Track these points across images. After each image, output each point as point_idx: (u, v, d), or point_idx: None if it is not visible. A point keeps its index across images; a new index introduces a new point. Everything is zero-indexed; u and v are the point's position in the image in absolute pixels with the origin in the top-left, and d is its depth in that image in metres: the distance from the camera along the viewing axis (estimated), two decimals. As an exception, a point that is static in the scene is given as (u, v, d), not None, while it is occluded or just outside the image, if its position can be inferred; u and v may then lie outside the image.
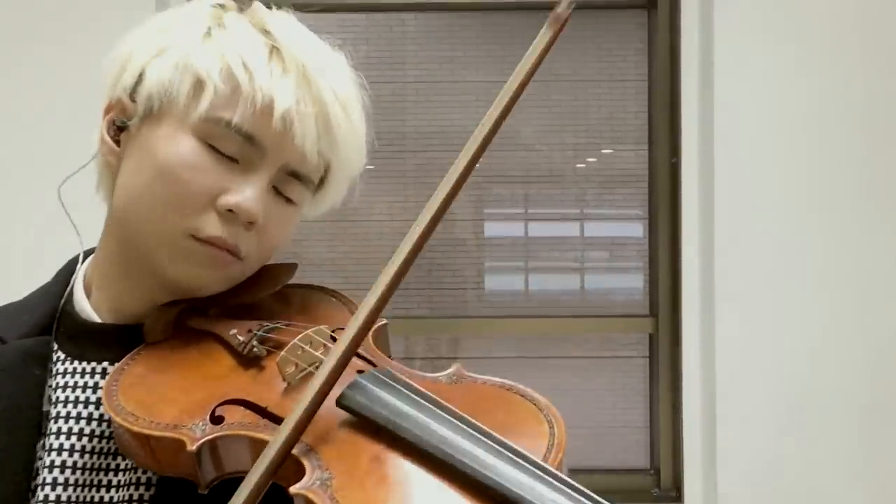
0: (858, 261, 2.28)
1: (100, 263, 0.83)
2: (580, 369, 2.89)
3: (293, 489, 0.60)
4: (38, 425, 0.77)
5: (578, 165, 2.87)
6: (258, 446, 0.65)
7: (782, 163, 2.28)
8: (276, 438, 0.61)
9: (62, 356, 0.80)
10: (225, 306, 0.80)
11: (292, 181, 0.79)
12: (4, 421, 0.76)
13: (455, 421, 0.64)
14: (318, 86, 0.77)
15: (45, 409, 0.78)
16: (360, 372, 0.69)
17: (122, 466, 0.76)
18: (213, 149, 0.75)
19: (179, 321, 0.80)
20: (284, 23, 0.80)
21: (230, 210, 0.75)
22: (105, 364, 0.78)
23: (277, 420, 0.67)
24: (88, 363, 0.79)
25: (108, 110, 0.80)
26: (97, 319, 0.81)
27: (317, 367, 0.68)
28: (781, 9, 2.32)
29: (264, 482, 0.61)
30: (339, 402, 0.66)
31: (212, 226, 0.75)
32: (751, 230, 2.29)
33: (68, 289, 0.84)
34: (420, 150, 2.95)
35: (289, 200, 0.80)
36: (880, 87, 2.27)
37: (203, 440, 0.66)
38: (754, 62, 2.33)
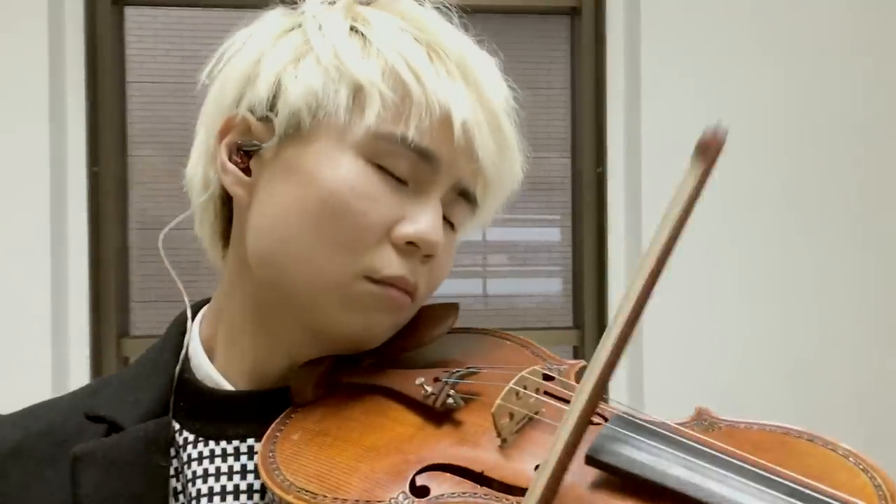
0: (783, 267, 2.29)
1: (227, 320, 0.69)
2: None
3: None
4: None
5: None
6: None
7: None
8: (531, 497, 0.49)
9: (190, 438, 0.66)
10: (381, 356, 0.68)
11: (460, 202, 0.68)
12: None
13: (746, 469, 0.51)
14: (485, 91, 0.66)
15: None
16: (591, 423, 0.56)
17: None
18: (381, 169, 0.63)
19: (330, 378, 0.67)
20: (429, 16, 0.67)
21: (410, 242, 0.63)
22: (251, 441, 0.65)
23: (500, 487, 0.55)
24: (229, 442, 0.65)
25: (224, 132, 0.66)
26: (228, 387, 0.68)
27: (530, 418, 0.58)
28: (707, 18, 2.31)
29: None
30: (589, 457, 0.53)
31: (391, 263, 0.63)
32: (679, 242, 2.26)
33: (182, 354, 0.70)
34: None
35: (453, 226, 0.69)
36: (804, 95, 2.29)
37: None
38: (680, 70, 2.32)
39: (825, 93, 2.29)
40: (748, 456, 0.53)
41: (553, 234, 2.71)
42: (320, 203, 0.62)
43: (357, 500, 0.56)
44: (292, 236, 0.63)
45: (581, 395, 0.51)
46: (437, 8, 0.69)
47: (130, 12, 2.29)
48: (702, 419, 0.60)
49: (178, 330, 0.72)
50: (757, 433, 0.58)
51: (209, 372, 0.68)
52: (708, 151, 0.55)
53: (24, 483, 0.66)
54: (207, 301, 0.75)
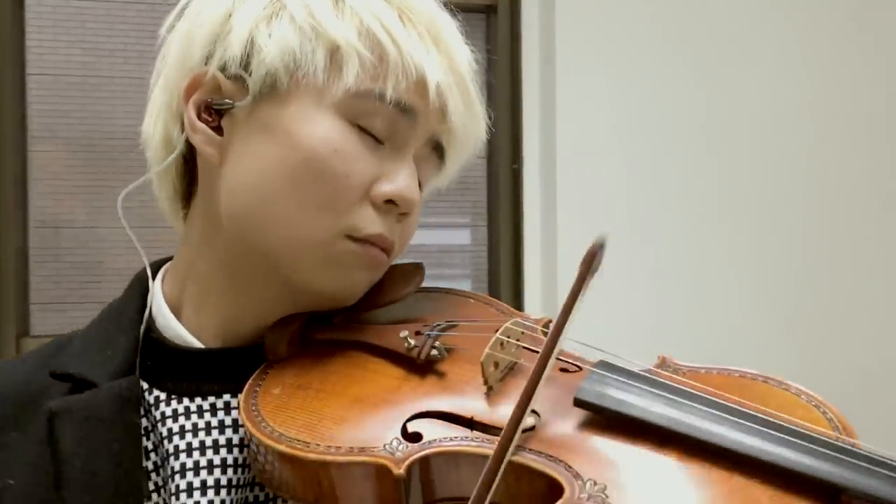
0: (695, 261, 2.32)
1: (195, 278, 0.68)
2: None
3: (565, 500, 0.50)
4: (140, 485, 0.62)
5: None
6: (477, 462, 0.53)
7: (623, 168, 2.29)
8: (500, 450, 0.51)
9: (162, 396, 0.65)
10: (352, 313, 0.68)
11: (431, 158, 0.69)
12: (111, 483, 0.61)
13: (725, 405, 0.56)
14: (454, 54, 0.67)
15: (144, 464, 0.64)
16: (563, 370, 0.62)
17: (261, 502, 0.64)
18: (359, 129, 0.63)
19: (303, 336, 0.67)
20: None
21: (388, 201, 0.64)
22: (226, 397, 0.64)
23: (489, 431, 0.57)
24: (204, 399, 0.64)
25: (191, 90, 0.64)
26: (199, 345, 0.67)
27: (513, 367, 0.61)
28: (621, 17, 2.34)
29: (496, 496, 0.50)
30: (578, 400, 0.56)
31: (371, 222, 0.64)
32: (592, 234, 2.28)
33: (146, 313, 0.68)
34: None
35: (419, 185, 0.69)
36: (715, 93, 2.33)
37: (412, 459, 0.54)
38: (594, 67, 2.34)
39: (735, 90, 2.34)
40: (720, 393, 0.57)
41: (463, 237, 2.70)
42: (302, 164, 0.62)
43: (351, 448, 0.56)
44: (272, 197, 0.62)
45: (549, 340, 0.54)
46: None
47: (31, 2, 2.20)
48: (666, 366, 0.64)
49: (140, 290, 0.71)
50: (717, 377, 0.62)
51: (178, 331, 0.68)
52: (594, 260, 0.57)
53: None
54: (165, 261, 0.75)
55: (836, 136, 2.40)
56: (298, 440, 0.57)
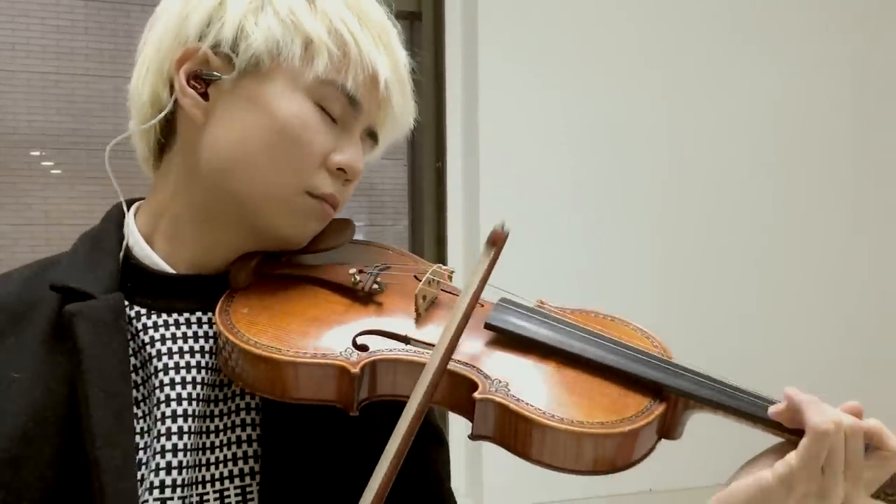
0: (614, 259, 2.41)
1: (171, 217, 0.80)
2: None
3: (478, 394, 0.68)
4: (129, 381, 0.74)
5: None
6: (413, 368, 0.70)
7: (544, 167, 2.39)
8: (433, 358, 0.65)
9: (142, 311, 0.77)
10: (297, 254, 0.82)
11: (367, 141, 0.84)
12: (117, 373, 0.73)
13: (588, 330, 0.76)
14: (398, 55, 0.82)
15: (132, 378, 0.75)
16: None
17: (227, 397, 0.77)
18: (321, 109, 0.78)
19: (260, 269, 0.81)
20: None
21: (340, 168, 0.79)
22: (198, 314, 0.78)
23: (421, 345, 0.73)
24: (179, 314, 0.78)
25: (182, 61, 0.77)
26: (172, 272, 0.79)
27: (434, 300, 0.77)
28: (542, 22, 2.45)
29: (427, 399, 0.64)
30: (488, 324, 0.75)
31: (326, 183, 0.79)
32: (513, 231, 2.36)
33: (125, 242, 0.81)
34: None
35: None
36: (631, 93, 2.46)
37: (364, 362, 0.69)
38: (516, 72, 2.44)
39: (654, 91, 2.46)
40: (582, 324, 0.79)
41: (388, 236, 2.73)
42: (277, 132, 0.76)
43: (315, 354, 0.71)
44: (250, 156, 0.76)
45: (475, 276, 0.71)
46: None
47: None
48: (542, 305, 0.84)
49: (116, 222, 0.84)
50: (578, 314, 0.84)
51: (154, 259, 0.81)
52: (497, 243, 0.72)
53: None
54: (134, 201, 0.88)
55: (751, 129, 2.56)
56: (272, 346, 0.72)
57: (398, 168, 2.74)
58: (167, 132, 0.82)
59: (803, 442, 0.65)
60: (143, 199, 0.88)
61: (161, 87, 0.79)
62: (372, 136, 0.85)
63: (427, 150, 2.61)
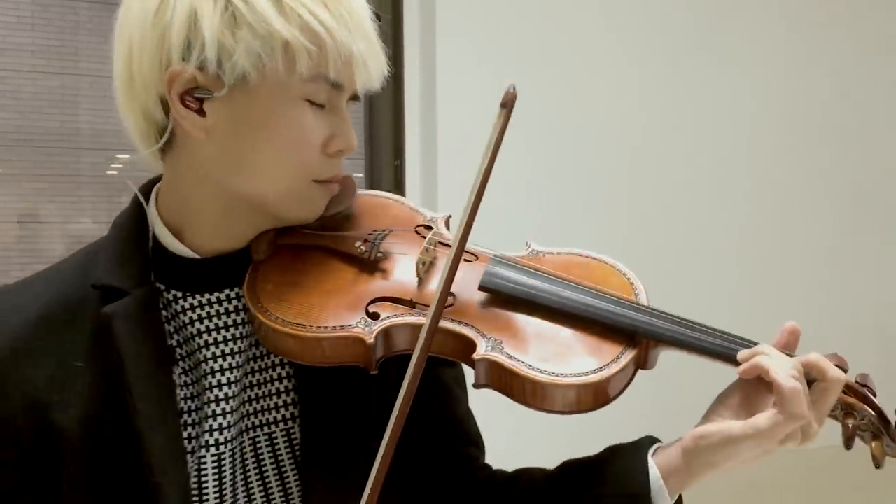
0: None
1: (195, 209, 0.86)
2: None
3: (477, 355, 0.78)
4: (168, 360, 0.84)
5: None
6: (417, 329, 0.78)
7: (502, 165, 2.39)
8: (428, 317, 0.75)
9: (179, 294, 0.86)
10: (306, 224, 0.89)
11: (351, 103, 0.89)
12: (146, 370, 0.80)
13: (568, 284, 0.85)
14: (367, 29, 0.84)
15: (168, 343, 0.85)
16: (465, 261, 0.84)
17: (260, 357, 0.87)
18: (311, 103, 0.82)
19: (276, 240, 0.88)
20: None
21: (341, 148, 0.86)
22: (227, 291, 0.86)
23: (426, 306, 0.82)
24: (211, 294, 0.86)
25: (171, 83, 0.80)
26: (197, 257, 0.86)
27: (433, 262, 0.86)
28: (500, 20, 2.48)
29: (425, 353, 0.74)
30: (482, 286, 0.84)
31: (330, 168, 0.86)
32: (473, 231, 2.37)
33: (151, 233, 0.87)
34: (96, 147, 2.77)
35: None
36: (590, 92, 2.49)
37: (377, 331, 0.80)
38: (474, 71, 2.48)
39: (613, 90, 2.49)
40: (565, 275, 0.87)
41: None
42: (278, 139, 0.81)
43: (335, 327, 0.81)
44: (256, 164, 0.82)
45: (456, 242, 0.79)
46: None
47: None
48: (532, 250, 0.94)
49: (140, 213, 0.90)
50: (566, 257, 0.93)
51: (179, 247, 0.87)
52: (507, 104, 0.83)
53: (52, 344, 0.83)
54: (152, 183, 0.93)
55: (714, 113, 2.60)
56: (296, 323, 0.82)
57: (356, 167, 2.75)
58: (167, 137, 0.86)
59: (772, 413, 0.75)
60: (155, 180, 0.94)
61: (152, 105, 0.83)
62: (354, 97, 0.89)
63: (385, 149, 2.62)
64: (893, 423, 0.78)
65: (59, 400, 0.81)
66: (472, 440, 0.98)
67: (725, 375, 0.84)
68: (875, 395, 0.80)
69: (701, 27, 2.63)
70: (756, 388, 0.79)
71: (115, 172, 2.77)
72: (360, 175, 2.72)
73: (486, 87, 2.43)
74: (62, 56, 2.75)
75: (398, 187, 2.58)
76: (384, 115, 2.65)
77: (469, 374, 0.84)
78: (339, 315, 0.82)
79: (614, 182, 2.51)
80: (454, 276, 0.78)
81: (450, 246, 0.83)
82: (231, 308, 0.86)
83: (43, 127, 2.65)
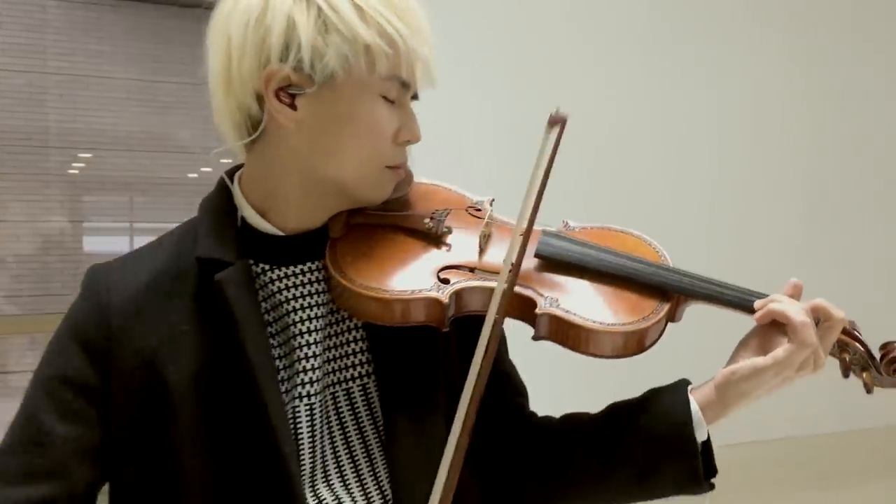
0: None
1: (283, 196, 0.95)
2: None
3: (539, 310, 0.91)
4: (264, 323, 0.94)
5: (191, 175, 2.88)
6: (485, 292, 0.92)
7: (468, 163, 2.38)
8: (500, 283, 0.86)
9: (266, 267, 0.95)
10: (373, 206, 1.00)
11: (412, 100, 0.99)
12: (255, 330, 0.91)
13: (609, 249, 0.98)
14: (428, 32, 0.94)
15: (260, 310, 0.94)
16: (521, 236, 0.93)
17: (339, 321, 0.97)
18: (384, 99, 0.92)
19: (350, 219, 0.98)
20: None
21: (409, 138, 0.96)
22: (308, 263, 0.96)
23: (486, 273, 0.94)
24: (295, 266, 0.95)
25: (268, 81, 0.89)
26: (282, 234, 0.96)
27: (489, 237, 0.99)
28: (464, 20, 2.50)
29: (504, 310, 0.85)
30: (538, 254, 0.96)
31: (399, 155, 0.96)
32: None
33: (239, 214, 0.97)
34: (64, 146, 2.76)
35: None
36: (550, 96, 2.43)
37: (449, 293, 0.91)
38: (441, 72, 2.45)
39: (579, 91, 2.50)
40: (602, 244, 1.00)
41: None
42: (358, 131, 0.92)
43: (412, 291, 0.92)
44: (338, 152, 0.93)
45: (523, 217, 0.90)
46: None
47: None
48: (570, 226, 1.06)
49: (227, 194, 0.99)
50: (599, 230, 1.05)
51: (266, 226, 0.97)
52: (556, 124, 0.94)
53: (161, 308, 0.93)
54: (234, 170, 1.03)
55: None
56: (380, 288, 0.92)
57: None
58: (256, 127, 0.96)
59: (788, 345, 0.90)
60: (234, 169, 1.04)
61: (249, 100, 0.92)
62: (414, 96, 0.99)
63: None
64: (878, 357, 0.94)
65: (170, 358, 0.91)
66: (519, 391, 1.10)
67: (719, 335, 1.05)
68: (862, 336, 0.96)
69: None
70: (771, 331, 0.93)
71: (76, 172, 2.77)
72: None
73: (453, 86, 2.50)
74: (29, 54, 2.74)
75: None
76: None
77: (527, 330, 0.95)
78: (415, 281, 0.93)
79: (577, 183, 2.49)
80: (525, 249, 0.90)
81: (502, 222, 1.02)
82: (313, 279, 0.96)
83: (8, 125, 2.64)
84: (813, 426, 3.13)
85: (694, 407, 0.93)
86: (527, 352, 1.03)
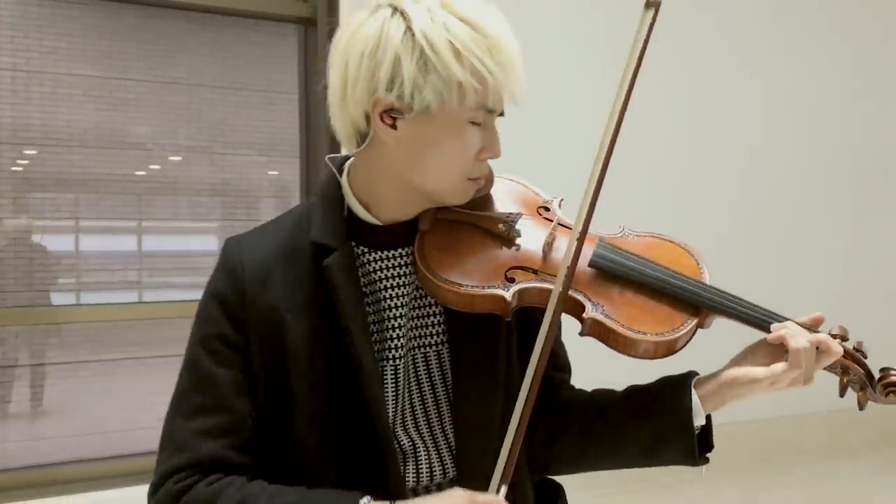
0: None
1: (382, 192, 1.13)
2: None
3: (586, 315, 1.07)
4: (362, 296, 1.12)
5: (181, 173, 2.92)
6: (543, 292, 1.06)
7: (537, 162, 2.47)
8: (557, 285, 1.03)
9: (365, 250, 1.14)
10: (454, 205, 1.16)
11: (498, 117, 1.14)
12: (354, 305, 1.09)
13: (653, 265, 1.12)
14: (518, 66, 1.08)
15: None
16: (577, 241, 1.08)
17: (422, 296, 1.15)
18: (472, 123, 1.08)
19: (435, 215, 1.14)
20: (485, 18, 1.07)
21: (488, 156, 1.12)
22: (399, 249, 1.14)
23: (547, 275, 1.09)
24: (388, 251, 1.14)
25: (375, 105, 1.06)
26: (380, 223, 1.14)
27: (552, 243, 1.12)
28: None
29: (560, 311, 1.03)
30: (591, 264, 1.11)
31: (478, 169, 1.12)
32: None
33: (346, 205, 1.15)
34: (18, 142, 2.74)
35: None
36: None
37: (513, 292, 1.07)
38: None
39: (542, 100, 2.58)
40: (651, 257, 1.13)
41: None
42: (445, 151, 1.08)
43: (483, 286, 1.07)
44: (428, 168, 1.09)
45: (576, 227, 1.06)
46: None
47: None
48: (625, 231, 1.20)
49: (336, 188, 1.16)
50: (648, 239, 1.19)
51: (368, 217, 1.14)
52: (651, 7, 1.08)
53: (284, 275, 1.12)
54: (343, 160, 1.20)
55: None
56: (456, 283, 1.08)
57: (291, 164, 2.90)
58: (364, 138, 1.13)
59: (783, 364, 1.07)
60: (343, 159, 1.21)
61: (358, 117, 1.09)
62: (501, 114, 1.14)
63: (322, 144, 2.76)
64: (876, 378, 1.10)
65: (290, 316, 1.11)
66: (565, 367, 1.30)
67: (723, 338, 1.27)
68: (866, 358, 1.11)
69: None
70: (775, 349, 1.09)
71: (20, 169, 2.76)
72: (296, 170, 2.85)
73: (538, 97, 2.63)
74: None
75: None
76: (320, 110, 2.66)
77: (574, 324, 1.12)
78: (486, 278, 1.09)
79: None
80: (576, 264, 1.06)
81: (567, 227, 1.14)
82: (402, 262, 1.14)
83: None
84: (754, 412, 3.46)
85: (695, 399, 1.10)
86: (573, 335, 1.17)
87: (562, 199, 1.22)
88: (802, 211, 3.42)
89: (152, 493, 1.08)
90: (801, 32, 3.29)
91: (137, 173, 2.87)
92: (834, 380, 1.13)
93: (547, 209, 1.19)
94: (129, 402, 2.88)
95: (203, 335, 1.11)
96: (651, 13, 1.08)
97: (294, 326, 1.09)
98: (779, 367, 1.07)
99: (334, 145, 2.69)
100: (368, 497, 1.03)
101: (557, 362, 1.27)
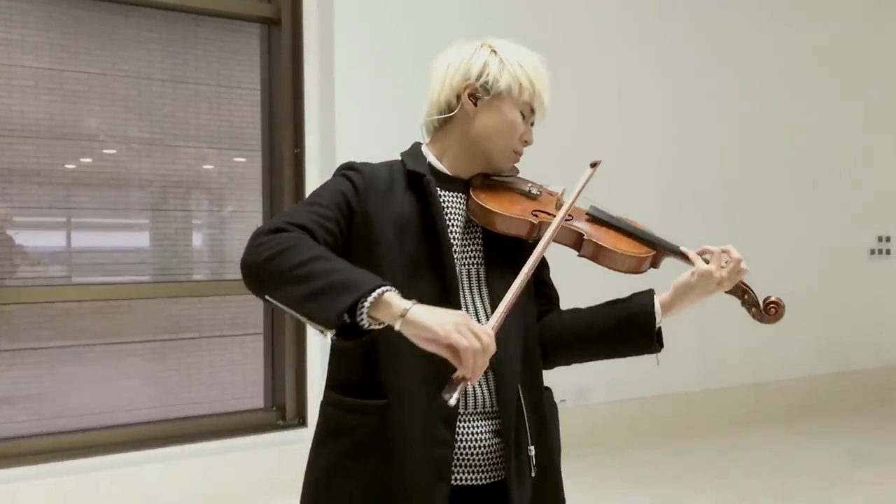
0: None
1: (451, 154, 1.52)
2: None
3: (586, 238, 1.47)
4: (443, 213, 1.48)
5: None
6: (556, 223, 1.45)
7: (394, 153, 2.68)
8: (558, 217, 1.44)
9: (440, 190, 1.50)
10: (495, 175, 1.55)
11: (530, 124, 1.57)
12: (440, 209, 1.44)
13: (626, 221, 1.52)
14: (547, 80, 1.50)
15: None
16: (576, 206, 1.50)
17: (469, 225, 1.50)
18: (521, 114, 1.49)
19: (484, 178, 1.53)
20: (527, 50, 1.51)
21: (526, 140, 1.52)
22: (458, 194, 1.51)
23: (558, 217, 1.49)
24: (451, 192, 1.51)
25: (465, 88, 1.47)
26: (449, 173, 1.52)
27: (561, 203, 1.50)
28: (394, 25, 2.74)
29: (552, 235, 1.41)
30: (588, 213, 1.53)
31: (521, 146, 1.52)
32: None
33: (427, 160, 1.53)
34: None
35: None
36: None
37: (538, 221, 1.46)
38: (369, 69, 2.73)
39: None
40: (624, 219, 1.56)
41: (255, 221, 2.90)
42: (507, 126, 1.47)
43: (518, 214, 1.46)
44: (494, 136, 1.48)
45: (573, 194, 1.49)
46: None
47: None
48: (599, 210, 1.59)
49: (419, 149, 1.53)
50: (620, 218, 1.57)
51: (441, 167, 1.52)
52: (595, 167, 1.54)
53: (385, 188, 1.46)
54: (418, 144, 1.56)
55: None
56: (499, 208, 1.45)
57: (254, 158, 2.95)
58: (447, 115, 1.52)
59: (704, 264, 1.46)
60: (417, 144, 1.56)
61: (452, 96, 1.50)
62: (532, 122, 1.53)
63: (286, 137, 2.86)
64: (762, 302, 1.52)
65: (386, 201, 1.45)
66: (552, 298, 1.64)
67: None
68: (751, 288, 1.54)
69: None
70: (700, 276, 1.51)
71: None
72: (258, 164, 2.89)
73: (381, 76, 2.82)
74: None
75: (298, 174, 2.82)
76: (284, 105, 2.86)
77: (574, 263, 1.53)
78: (522, 212, 1.48)
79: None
80: (573, 205, 1.48)
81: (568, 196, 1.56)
82: (459, 201, 1.51)
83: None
84: (675, 385, 3.70)
85: (656, 303, 1.51)
86: (564, 274, 1.56)
87: (563, 189, 1.59)
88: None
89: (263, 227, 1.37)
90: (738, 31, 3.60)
91: (83, 160, 2.90)
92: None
93: (553, 191, 1.60)
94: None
95: (334, 184, 1.47)
96: (592, 171, 1.52)
97: (388, 211, 1.45)
98: (702, 266, 1.47)
99: (297, 138, 2.87)
100: (392, 288, 1.26)
101: (547, 290, 1.65)
